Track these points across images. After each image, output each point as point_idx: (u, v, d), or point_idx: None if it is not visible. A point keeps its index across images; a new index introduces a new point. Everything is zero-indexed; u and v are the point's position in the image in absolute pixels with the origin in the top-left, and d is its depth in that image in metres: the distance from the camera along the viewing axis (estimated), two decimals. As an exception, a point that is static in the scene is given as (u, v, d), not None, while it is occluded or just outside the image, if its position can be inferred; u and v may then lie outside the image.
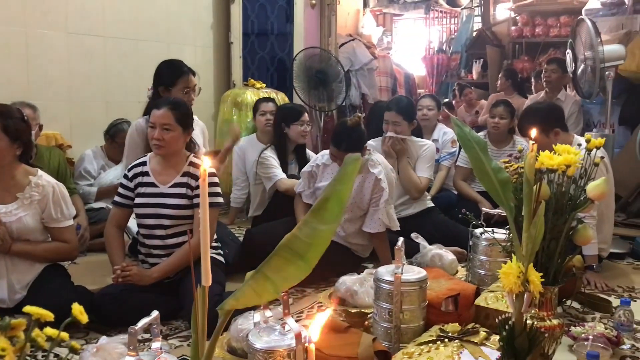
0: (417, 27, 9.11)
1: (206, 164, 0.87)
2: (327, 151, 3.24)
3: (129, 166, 2.70)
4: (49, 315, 0.74)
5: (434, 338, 1.93)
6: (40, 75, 4.00)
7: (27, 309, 0.74)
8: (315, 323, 1.14)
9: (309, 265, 0.84)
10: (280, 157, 3.82)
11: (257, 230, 3.38)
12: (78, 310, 0.78)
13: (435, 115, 4.55)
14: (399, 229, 3.15)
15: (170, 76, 3.16)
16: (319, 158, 3.27)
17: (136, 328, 1.33)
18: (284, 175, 3.73)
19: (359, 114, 3.17)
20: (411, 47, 8.93)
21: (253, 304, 0.85)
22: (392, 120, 3.57)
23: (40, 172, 2.40)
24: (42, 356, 0.77)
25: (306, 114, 3.88)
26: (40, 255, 2.41)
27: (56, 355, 1.76)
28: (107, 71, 4.43)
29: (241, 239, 3.39)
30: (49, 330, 0.72)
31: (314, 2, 5.35)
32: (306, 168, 3.27)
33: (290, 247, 0.85)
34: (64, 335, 0.76)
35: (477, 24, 8.37)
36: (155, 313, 1.41)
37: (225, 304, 0.91)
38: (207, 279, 0.95)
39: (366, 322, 2.26)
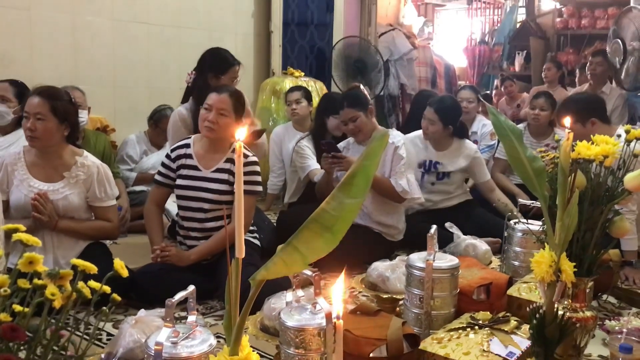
0: (459, 18, 9.00)
1: (241, 135, 0.90)
2: (346, 141, 3.35)
3: (173, 147, 2.77)
4: (92, 268, 0.79)
5: (464, 325, 1.94)
6: (86, 61, 4.13)
7: (74, 261, 0.79)
8: (337, 298, 1.17)
9: (336, 237, 0.87)
10: (317, 146, 3.84)
11: (290, 211, 3.45)
12: (119, 265, 0.83)
13: (475, 107, 4.51)
14: (422, 199, 3.23)
15: (222, 64, 3.23)
16: (341, 144, 3.32)
17: (173, 300, 1.38)
18: (317, 166, 3.76)
19: (357, 84, 3.24)
20: (452, 38, 8.83)
21: (283, 275, 0.89)
22: (428, 117, 3.56)
23: (85, 152, 2.50)
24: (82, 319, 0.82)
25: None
26: (84, 233, 2.51)
27: (87, 328, 1.84)
28: (150, 58, 4.54)
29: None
30: (93, 283, 0.77)
31: (355, -9, 5.35)
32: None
33: (319, 220, 0.88)
34: (106, 288, 0.81)
35: (521, 15, 8.21)
36: (191, 287, 1.47)
37: (256, 275, 0.95)
38: (240, 250, 1.00)
39: (397, 309, 2.28)
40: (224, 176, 2.66)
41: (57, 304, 0.72)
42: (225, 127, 2.64)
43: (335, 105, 3.68)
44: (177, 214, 2.92)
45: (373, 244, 3.03)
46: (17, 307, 0.72)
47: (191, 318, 1.46)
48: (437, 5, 8.70)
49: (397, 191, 3.04)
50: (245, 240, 2.72)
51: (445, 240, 2.99)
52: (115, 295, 0.84)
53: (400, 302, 2.24)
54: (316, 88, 4.79)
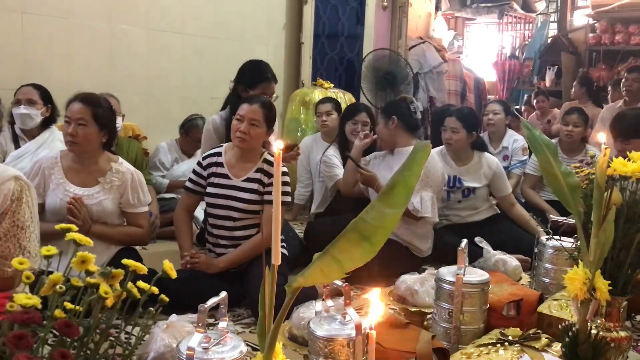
0: (489, 32, 8.96)
1: (279, 145, 0.91)
2: (374, 153, 3.37)
3: (205, 155, 2.81)
4: (142, 268, 0.81)
5: (494, 341, 1.92)
6: (121, 69, 4.21)
7: (125, 261, 0.81)
8: (374, 309, 1.17)
9: (374, 247, 0.88)
10: (342, 155, 3.85)
11: (317, 222, 3.46)
12: (168, 267, 0.85)
13: (502, 120, 4.47)
14: (436, 220, 3.19)
15: (252, 78, 3.25)
16: (370, 155, 3.32)
17: (205, 306, 1.39)
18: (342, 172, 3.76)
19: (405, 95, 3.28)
20: (482, 52, 8.79)
21: (320, 282, 0.90)
22: (450, 126, 3.53)
23: (120, 159, 2.56)
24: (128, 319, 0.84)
25: (363, 114, 3.77)
26: (116, 238, 2.55)
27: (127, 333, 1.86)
28: (183, 67, 4.61)
29: (302, 235, 3.46)
30: (141, 284, 0.79)
31: (385, 4, 5.37)
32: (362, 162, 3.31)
33: (357, 229, 0.89)
34: (154, 289, 0.83)
35: (553, 30, 8.15)
36: (223, 293, 1.48)
37: (293, 282, 0.95)
38: (277, 257, 1.00)
39: (425, 322, 2.27)
40: (254, 186, 2.68)
41: (109, 302, 0.74)
42: (256, 138, 2.67)
43: (352, 111, 3.78)
44: (205, 221, 2.96)
45: (401, 257, 3.01)
46: (69, 305, 0.74)
47: (222, 324, 1.47)
48: (467, 19, 8.67)
49: (409, 209, 3.02)
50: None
51: (474, 255, 2.96)
52: (163, 296, 0.85)
53: (429, 316, 2.23)
54: (345, 100, 4.81)
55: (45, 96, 3.23)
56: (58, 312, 0.72)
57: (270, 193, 2.68)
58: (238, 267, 2.68)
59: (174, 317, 1.88)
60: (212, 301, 1.43)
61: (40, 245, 1.92)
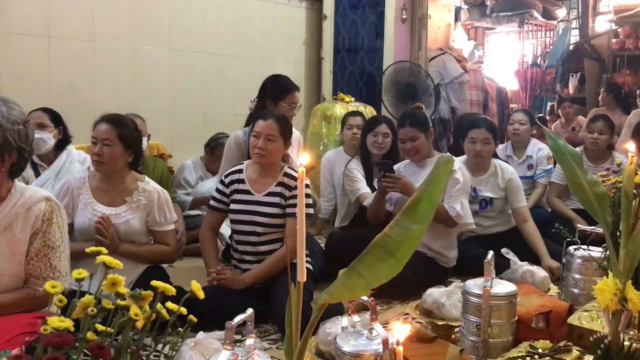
0: (510, 41, 8.91)
1: (304, 160, 0.92)
2: (403, 162, 3.33)
3: (227, 173, 2.84)
4: (171, 290, 0.82)
5: (524, 354, 1.89)
6: (145, 89, 4.29)
7: (154, 283, 0.83)
8: (401, 327, 1.17)
9: (399, 263, 0.88)
10: (365, 168, 3.84)
11: (338, 234, 3.45)
12: (196, 287, 0.86)
13: (528, 130, 4.43)
14: (474, 225, 3.15)
15: (280, 91, 3.30)
16: (399, 165, 3.31)
17: (232, 323, 1.41)
18: (367, 190, 3.74)
19: (420, 104, 3.22)
20: (503, 61, 8.73)
21: (345, 299, 0.90)
22: (481, 138, 3.48)
23: (147, 178, 2.59)
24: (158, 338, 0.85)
25: (384, 125, 3.73)
26: (143, 256, 2.58)
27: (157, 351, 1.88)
28: (206, 86, 4.68)
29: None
30: (170, 304, 0.80)
31: (404, 16, 5.39)
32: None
33: (382, 245, 0.89)
34: (183, 309, 0.84)
35: (574, 37, 8.07)
36: (250, 310, 1.49)
37: (319, 299, 0.96)
38: (302, 274, 1.01)
39: (453, 336, 2.25)
40: (276, 199, 2.70)
41: (139, 324, 0.76)
42: (274, 152, 2.70)
43: (372, 123, 3.75)
44: (230, 238, 2.98)
45: (426, 270, 2.99)
46: (100, 327, 0.76)
47: (249, 341, 1.48)
48: (487, 28, 8.63)
49: (451, 215, 3.00)
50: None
51: (500, 267, 2.93)
52: (192, 317, 0.87)
53: (456, 330, 2.21)
54: (367, 113, 4.82)
55: (56, 119, 3.23)
56: (90, 335, 0.73)
57: (292, 206, 2.69)
58: (263, 283, 2.69)
59: (201, 335, 1.89)
60: (239, 318, 1.44)
61: (70, 264, 1.96)
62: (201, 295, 0.90)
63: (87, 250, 0.97)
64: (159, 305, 0.82)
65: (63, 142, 3.25)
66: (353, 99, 5.15)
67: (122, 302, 0.79)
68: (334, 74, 5.52)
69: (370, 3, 5.43)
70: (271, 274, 2.66)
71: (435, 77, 5.70)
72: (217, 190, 2.82)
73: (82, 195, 2.52)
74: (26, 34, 3.68)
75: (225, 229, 3.42)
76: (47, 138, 3.12)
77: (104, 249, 0.95)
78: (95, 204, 2.50)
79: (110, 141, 2.46)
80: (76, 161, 3.25)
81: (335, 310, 2.33)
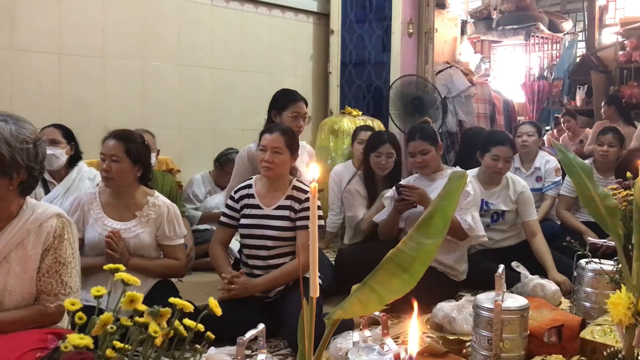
0: (516, 54, 8.93)
1: (315, 173, 0.93)
2: (412, 176, 3.31)
3: (236, 188, 2.85)
4: (189, 307, 0.83)
5: (536, 369, 1.88)
6: (154, 104, 4.32)
7: (172, 300, 0.83)
8: (413, 340, 1.17)
9: (413, 278, 0.88)
10: (367, 186, 3.80)
11: (349, 249, 3.44)
12: (213, 304, 0.86)
13: (536, 142, 4.42)
14: (486, 237, 3.13)
15: (283, 101, 3.30)
16: (409, 179, 3.31)
17: (244, 338, 1.40)
18: (363, 212, 3.69)
19: (427, 118, 3.20)
20: (510, 74, 8.75)
21: (359, 315, 0.90)
22: (504, 155, 3.44)
23: (157, 192, 2.61)
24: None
25: (387, 145, 3.61)
26: (153, 270, 2.58)
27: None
28: (214, 101, 4.71)
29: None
30: (187, 321, 0.81)
31: (411, 30, 5.41)
32: (389, 193, 3.26)
33: (396, 260, 0.89)
34: (200, 326, 0.85)
35: (581, 49, 8.09)
36: (261, 326, 1.49)
37: (332, 314, 0.96)
38: (315, 290, 1.01)
39: (464, 350, 2.23)
40: (285, 213, 2.71)
41: (158, 341, 0.76)
42: (281, 165, 2.71)
43: (376, 142, 3.63)
44: (240, 252, 2.98)
45: (436, 284, 2.98)
46: (118, 344, 0.76)
47: (261, 357, 1.48)
48: (493, 41, 8.67)
49: (463, 228, 2.99)
50: (309, 279, 2.73)
51: (511, 280, 2.91)
52: (209, 334, 0.87)
53: (468, 344, 2.19)
54: (374, 126, 4.83)
55: (68, 135, 3.24)
56: (109, 352, 0.74)
57: (302, 219, 2.70)
58: (272, 296, 2.68)
59: (212, 350, 1.89)
60: (250, 333, 1.44)
61: (80, 280, 1.97)
62: (218, 312, 0.90)
63: (105, 267, 0.97)
64: (176, 322, 0.82)
65: (74, 158, 3.26)
66: (360, 112, 5.17)
67: (141, 319, 0.79)
68: (341, 87, 5.54)
69: (376, 17, 5.46)
70: (283, 283, 2.67)
71: (442, 90, 5.72)
72: (227, 205, 2.83)
73: (92, 210, 2.53)
74: (37, 50, 3.72)
75: (234, 244, 3.42)
76: (59, 154, 3.12)
77: (121, 266, 0.95)
78: (105, 219, 2.52)
79: (118, 157, 2.47)
80: (86, 178, 3.25)
81: (346, 325, 2.33)
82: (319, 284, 2.83)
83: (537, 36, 8.43)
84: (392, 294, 0.90)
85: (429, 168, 3.20)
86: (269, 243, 2.69)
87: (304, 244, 2.67)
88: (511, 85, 8.41)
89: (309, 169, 1.02)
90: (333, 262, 3.48)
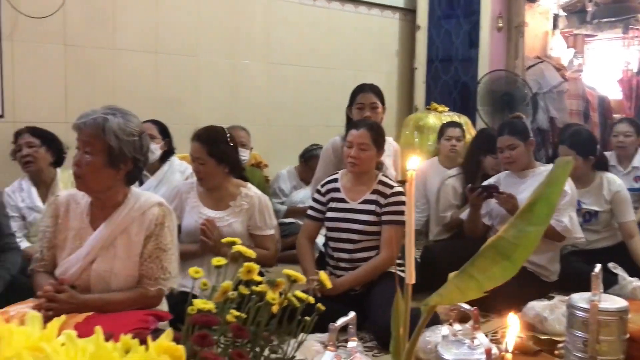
0: (612, 48, 8.48)
1: (415, 164, 0.93)
2: (502, 173, 3.26)
3: (322, 182, 2.89)
4: (302, 278, 0.87)
5: (637, 374, 1.79)
6: (243, 101, 4.46)
7: (286, 271, 0.88)
8: (511, 334, 1.15)
9: (515, 266, 0.87)
10: (466, 184, 3.69)
11: (435, 246, 3.41)
12: (324, 277, 0.90)
13: (634, 141, 4.19)
14: (584, 239, 3.04)
15: (352, 94, 3.30)
16: (491, 180, 3.23)
17: (336, 325, 1.43)
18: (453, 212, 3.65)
19: (519, 114, 3.11)
20: (605, 69, 8.32)
21: (457, 302, 0.90)
22: (563, 154, 3.30)
23: (249, 184, 2.71)
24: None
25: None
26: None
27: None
28: (300, 97, 4.79)
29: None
30: (299, 294, 0.85)
31: (500, 25, 5.27)
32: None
33: (496, 248, 0.89)
34: (311, 298, 0.88)
35: (687, 41, 7.55)
36: (352, 314, 1.51)
37: (429, 300, 0.96)
38: (411, 276, 1.02)
39: (556, 352, 2.16)
40: (371, 207, 2.72)
41: (275, 308, 0.80)
42: (367, 161, 2.72)
43: (492, 143, 3.42)
44: (324, 245, 3.02)
45: (527, 284, 2.89)
46: (235, 312, 0.81)
47: (351, 344, 1.50)
48: (587, 35, 8.25)
49: (558, 230, 2.89)
50: (394, 274, 2.73)
51: (607, 283, 2.77)
52: (319, 305, 0.90)
53: (560, 345, 2.12)
54: (461, 123, 4.74)
55: (163, 131, 3.44)
56: (230, 317, 0.79)
57: (388, 214, 2.70)
58: (358, 290, 2.70)
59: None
60: (342, 320, 1.46)
61: (178, 265, 2.07)
62: (329, 284, 0.93)
63: (223, 240, 1.03)
64: (289, 295, 0.86)
65: (167, 152, 3.44)
66: (447, 108, 5.09)
67: (258, 289, 0.84)
68: (427, 84, 5.49)
69: (464, 13, 5.36)
70: (367, 280, 2.68)
71: (533, 86, 5.53)
72: (314, 199, 2.87)
73: (189, 199, 2.67)
74: (136, 50, 3.93)
75: (318, 238, 3.47)
76: (154, 149, 3.31)
77: (237, 239, 1.01)
78: (201, 207, 2.64)
79: (203, 160, 2.59)
80: (177, 171, 3.42)
81: (432, 320, 2.31)
82: (403, 278, 2.83)
83: (637, 29, 7.95)
84: (492, 281, 0.89)
85: (517, 164, 3.11)
86: (355, 237, 2.72)
87: (388, 239, 2.67)
88: (607, 80, 7.99)
89: (409, 160, 1.03)
90: (417, 259, 3.46)
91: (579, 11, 7.89)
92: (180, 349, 0.64)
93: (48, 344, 0.67)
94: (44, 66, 3.55)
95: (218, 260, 1.04)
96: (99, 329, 0.70)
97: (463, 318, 1.84)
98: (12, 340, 0.66)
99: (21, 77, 3.47)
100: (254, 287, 0.84)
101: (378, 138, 2.75)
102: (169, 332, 0.65)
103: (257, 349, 0.84)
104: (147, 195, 2.05)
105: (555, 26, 6.98)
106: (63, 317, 0.78)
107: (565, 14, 7.42)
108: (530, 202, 0.86)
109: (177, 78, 4.13)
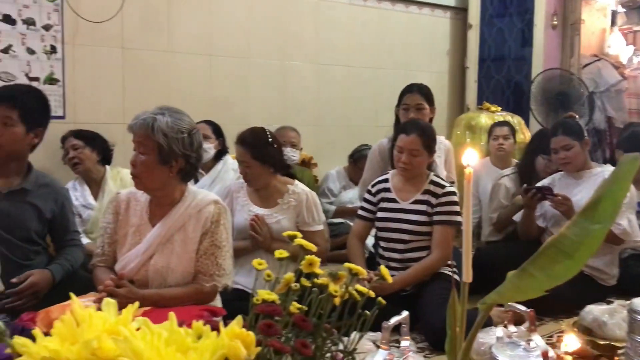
0: (675, 44, 8.13)
1: (472, 159, 0.93)
2: (557, 174, 3.18)
3: (373, 182, 2.89)
4: (362, 272, 0.88)
5: (703, 382, 1.72)
6: (293, 102, 4.49)
7: (347, 265, 0.89)
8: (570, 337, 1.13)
9: (577, 264, 0.85)
10: (521, 184, 3.61)
11: (487, 248, 3.36)
12: (385, 272, 0.91)
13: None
14: None
15: (400, 95, 3.28)
16: (545, 181, 3.16)
17: (389, 323, 1.43)
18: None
19: (573, 113, 3.03)
20: (668, 67, 7.98)
21: (516, 300, 0.89)
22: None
23: (296, 181, 2.75)
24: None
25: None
26: (293, 254, 2.69)
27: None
28: (349, 98, 4.79)
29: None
30: (359, 287, 0.86)
31: (555, 22, 5.15)
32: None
33: (558, 246, 0.87)
34: (371, 293, 0.90)
35: None
36: (405, 313, 1.51)
37: (487, 299, 0.96)
38: (468, 275, 1.01)
39: (616, 358, 2.09)
40: (422, 207, 2.70)
41: (337, 300, 0.82)
42: (418, 166, 2.71)
43: (547, 143, 3.31)
44: (374, 246, 3.01)
45: (584, 288, 2.81)
46: (295, 305, 0.83)
47: (404, 343, 1.50)
48: (647, 32, 7.96)
49: (616, 233, 2.80)
50: (446, 275, 2.71)
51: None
52: (380, 299, 0.91)
53: (620, 351, 2.06)
54: (514, 122, 4.65)
55: (217, 130, 3.53)
56: (293, 308, 0.81)
57: (439, 214, 2.67)
58: (409, 290, 2.69)
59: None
60: (395, 319, 1.47)
61: (232, 262, 2.12)
62: (389, 279, 0.94)
63: (285, 234, 1.06)
64: (350, 290, 0.88)
65: (221, 152, 3.52)
66: (499, 108, 4.99)
67: (319, 281, 0.85)
68: (478, 83, 5.40)
69: (517, 11, 5.26)
70: (419, 280, 2.66)
71: (589, 84, 5.37)
72: (365, 199, 2.87)
73: (239, 197, 2.73)
74: (190, 52, 4.02)
75: (368, 239, 3.47)
76: (208, 148, 3.40)
77: (298, 233, 1.03)
78: (250, 205, 2.70)
79: (247, 163, 2.64)
80: (230, 169, 3.49)
81: (485, 323, 2.28)
82: (457, 280, 2.80)
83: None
84: (553, 280, 0.87)
85: (573, 165, 3.03)
86: (406, 237, 2.70)
87: (440, 239, 2.65)
88: (668, 78, 7.67)
89: (465, 154, 1.02)
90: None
91: (639, 7, 7.59)
92: (251, 335, 0.66)
93: (125, 328, 0.71)
94: (102, 69, 3.67)
95: (280, 253, 1.06)
96: (172, 315, 0.73)
97: (517, 321, 1.81)
98: (92, 324, 0.70)
99: (81, 80, 3.60)
100: (315, 280, 0.86)
101: (429, 142, 2.72)
102: (239, 319, 0.67)
103: (319, 341, 0.85)
104: (203, 193, 2.11)
105: (613, 23, 6.74)
106: (133, 305, 0.81)
107: (624, 10, 7.17)
108: (595, 199, 0.84)
109: (230, 80, 4.20)
